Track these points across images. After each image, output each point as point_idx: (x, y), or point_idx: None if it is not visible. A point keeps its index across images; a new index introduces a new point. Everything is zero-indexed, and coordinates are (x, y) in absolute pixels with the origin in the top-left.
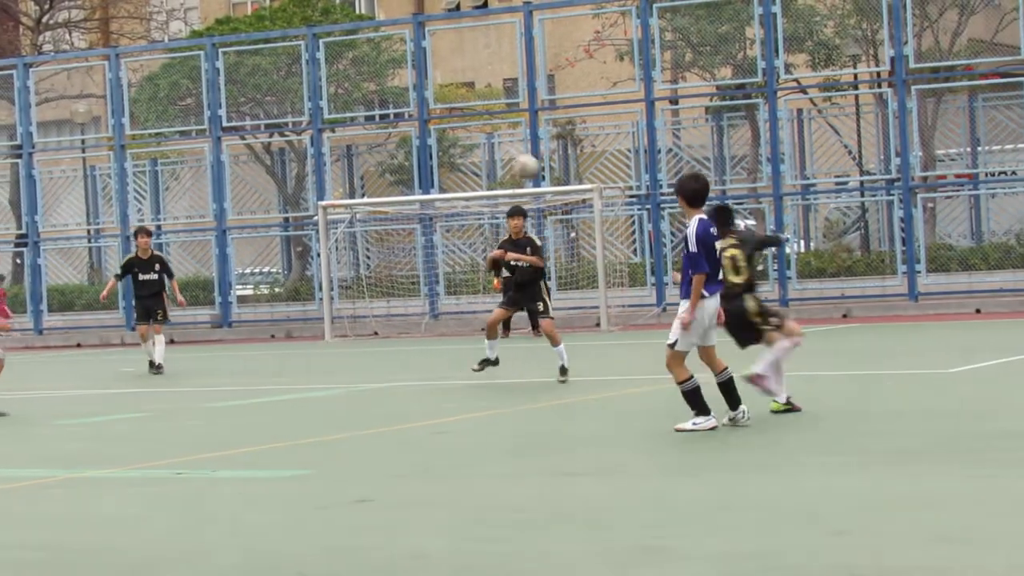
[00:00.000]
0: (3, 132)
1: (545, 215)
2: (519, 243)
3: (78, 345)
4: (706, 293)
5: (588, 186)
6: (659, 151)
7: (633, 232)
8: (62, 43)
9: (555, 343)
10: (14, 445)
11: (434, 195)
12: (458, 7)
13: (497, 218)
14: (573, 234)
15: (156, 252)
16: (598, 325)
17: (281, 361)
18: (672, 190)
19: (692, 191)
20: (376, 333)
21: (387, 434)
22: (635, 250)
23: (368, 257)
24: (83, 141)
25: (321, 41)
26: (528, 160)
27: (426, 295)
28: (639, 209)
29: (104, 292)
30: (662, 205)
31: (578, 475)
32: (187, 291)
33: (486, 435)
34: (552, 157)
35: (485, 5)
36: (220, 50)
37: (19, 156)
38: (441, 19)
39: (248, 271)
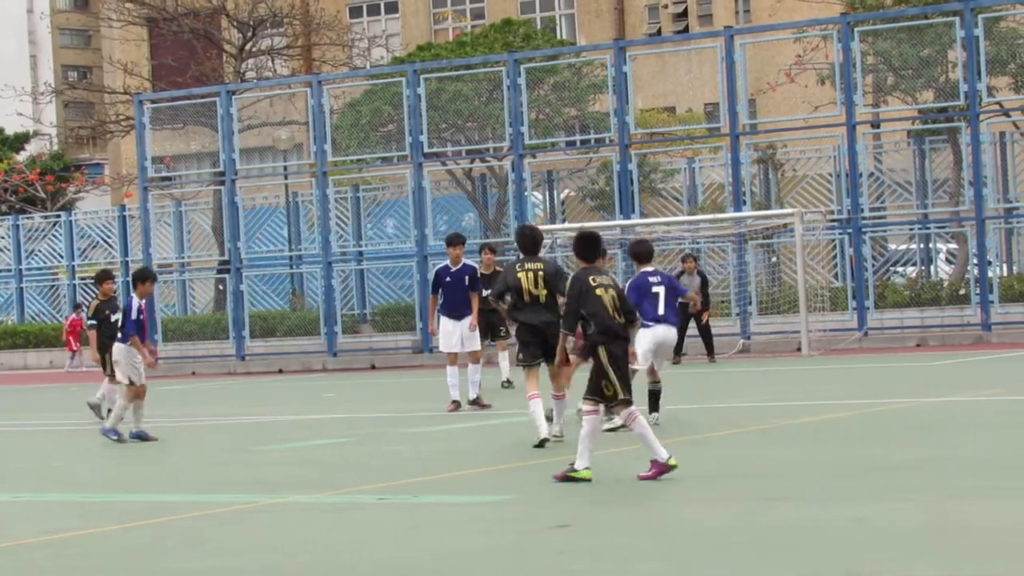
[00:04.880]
0: (206, 159)
1: (746, 239)
2: None
3: (280, 371)
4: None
5: (789, 210)
6: (860, 175)
7: (834, 256)
8: (264, 70)
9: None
10: (217, 471)
11: (635, 220)
12: (659, 32)
13: (698, 243)
14: (774, 259)
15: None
16: (799, 350)
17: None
18: (873, 214)
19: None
20: None
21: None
22: (836, 274)
23: None
24: (285, 168)
25: (522, 67)
26: None
27: None
28: (840, 233)
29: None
30: (864, 229)
31: (780, 500)
32: (388, 317)
33: (688, 461)
34: (753, 181)
35: (686, 30)
36: (421, 76)
37: (222, 183)
38: (642, 44)
39: None
